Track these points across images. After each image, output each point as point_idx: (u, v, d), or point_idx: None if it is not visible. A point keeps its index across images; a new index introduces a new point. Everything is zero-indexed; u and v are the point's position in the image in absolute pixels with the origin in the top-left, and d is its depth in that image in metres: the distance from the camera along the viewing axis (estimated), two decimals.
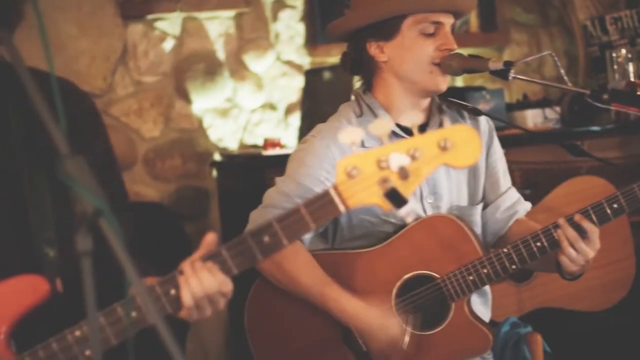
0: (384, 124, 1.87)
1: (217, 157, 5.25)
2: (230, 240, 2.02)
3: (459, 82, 5.66)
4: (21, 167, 2.08)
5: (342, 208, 1.94)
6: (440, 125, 2.96)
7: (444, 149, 1.89)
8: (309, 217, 1.96)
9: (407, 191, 1.89)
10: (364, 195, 1.92)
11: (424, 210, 3.00)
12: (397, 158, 1.89)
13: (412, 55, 2.94)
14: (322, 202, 1.95)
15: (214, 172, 5.22)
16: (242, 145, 5.31)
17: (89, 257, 1.55)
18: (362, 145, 2.64)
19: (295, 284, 2.90)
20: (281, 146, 4.94)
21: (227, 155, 5.21)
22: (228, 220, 5.07)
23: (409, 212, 1.88)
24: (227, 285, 2.03)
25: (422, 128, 2.95)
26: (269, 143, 4.89)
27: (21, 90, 2.06)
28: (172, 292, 2.00)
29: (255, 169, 4.70)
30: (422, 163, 1.89)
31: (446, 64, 2.92)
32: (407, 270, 2.93)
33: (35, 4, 1.67)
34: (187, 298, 2.00)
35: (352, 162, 1.91)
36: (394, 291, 2.92)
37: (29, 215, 2.07)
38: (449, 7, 2.96)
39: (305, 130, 5.02)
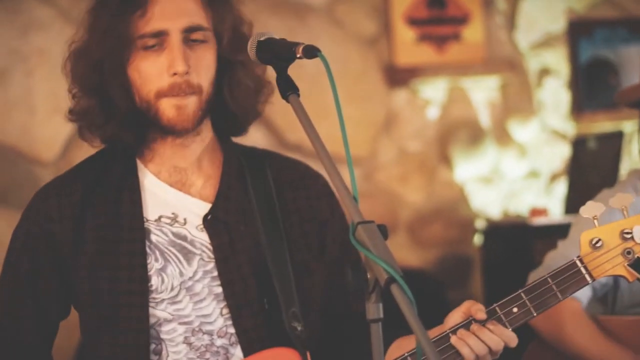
0: (626, 197, 2.00)
1: (479, 224, 5.20)
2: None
3: None
4: (266, 247, 2.16)
5: (588, 279, 2.05)
6: None
7: None
8: (556, 288, 2.05)
9: None
10: (609, 266, 2.04)
11: None
12: None
13: None
14: (569, 274, 2.05)
15: (477, 240, 5.17)
16: (505, 213, 5.25)
17: (379, 324, 1.59)
18: None
19: (574, 345, 2.82)
20: (547, 215, 4.83)
21: (491, 223, 5.15)
22: (491, 288, 4.98)
23: None
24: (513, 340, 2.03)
25: None
26: (536, 211, 4.80)
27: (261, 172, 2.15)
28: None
29: (522, 238, 4.62)
30: None
31: None
32: None
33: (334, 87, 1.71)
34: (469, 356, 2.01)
35: (596, 234, 2.04)
36: None
37: (277, 291, 2.13)
38: None
39: (571, 199, 4.91)
